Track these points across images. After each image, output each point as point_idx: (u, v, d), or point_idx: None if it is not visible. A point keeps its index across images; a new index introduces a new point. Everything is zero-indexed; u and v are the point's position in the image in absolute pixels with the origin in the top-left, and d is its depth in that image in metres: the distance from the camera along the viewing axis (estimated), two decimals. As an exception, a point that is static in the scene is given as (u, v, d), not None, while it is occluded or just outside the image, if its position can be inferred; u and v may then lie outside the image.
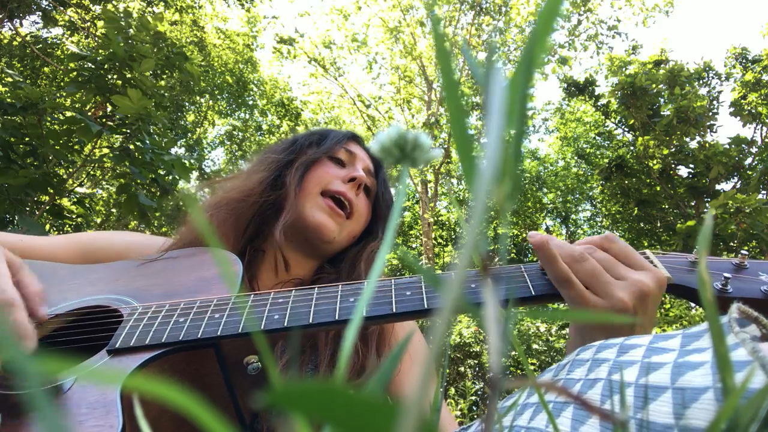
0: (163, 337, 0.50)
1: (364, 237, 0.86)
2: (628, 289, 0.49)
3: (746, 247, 6.39)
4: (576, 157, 11.36)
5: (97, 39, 4.88)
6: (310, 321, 0.51)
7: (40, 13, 4.59)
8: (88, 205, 3.44)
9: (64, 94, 3.80)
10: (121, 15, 2.72)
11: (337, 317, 0.51)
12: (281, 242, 0.74)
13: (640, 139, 7.67)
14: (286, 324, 0.50)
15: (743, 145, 6.84)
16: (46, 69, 5.94)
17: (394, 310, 0.51)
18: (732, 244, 6.20)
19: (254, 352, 0.52)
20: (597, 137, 10.74)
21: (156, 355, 0.49)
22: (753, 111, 7.18)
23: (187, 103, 8.79)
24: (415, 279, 0.55)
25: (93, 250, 0.76)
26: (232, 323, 0.50)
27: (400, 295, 0.53)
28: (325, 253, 0.82)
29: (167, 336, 0.50)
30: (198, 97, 9.61)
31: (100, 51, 2.68)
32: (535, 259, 0.56)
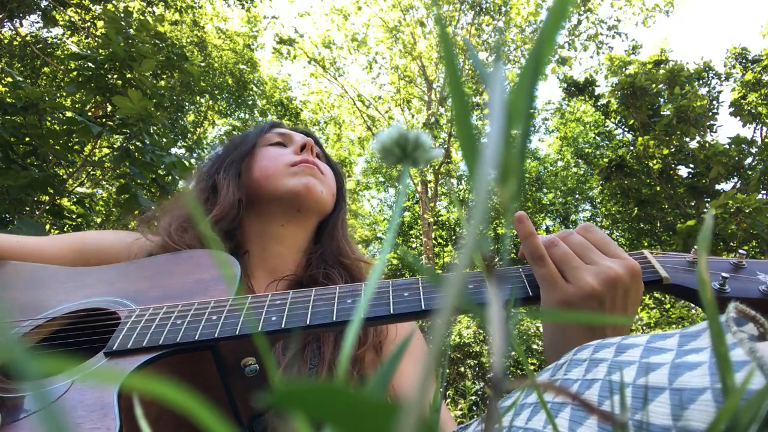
0: (161, 340, 0.50)
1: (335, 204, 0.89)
2: (597, 275, 0.49)
3: (746, 247, 6.39)
4: (576, 157, 11.35)
5: (97, 39, 4.88)
6: (308, 322, 0.51)
7: (40, 13, 4.59)
8: (88, 205, 3.44)
9: (64, 94, 3.80)
10: (122, 15, 2.72)
11: (334, 318, 0.51)
12: (226, 230, 0.77)
13: (640, 139, 7.67)
14: (283, 326, 0.50)
15: (743, 145, 6.84)
16: (46, 69, 5.94)
17: (391, 311, 0.51)
18: (732, 244, 6.20)
19: (252, 353, 0.52)
20: (597, 137, 10.74)
21: (153, 357, 0.49)
22: (753, 111, 7.18)
23: (187, 103, 8.79)
24: (413, 280, 0.55)
25: (89, 250, 0.76)
26: (230, 325, 0.50)
27: (397, 296, 0.52)
28: (318, 214, 0.84)
29: (164, 338, 0.50)
30: (198, 97, 9.61)
31: (100, 51, 2.68)
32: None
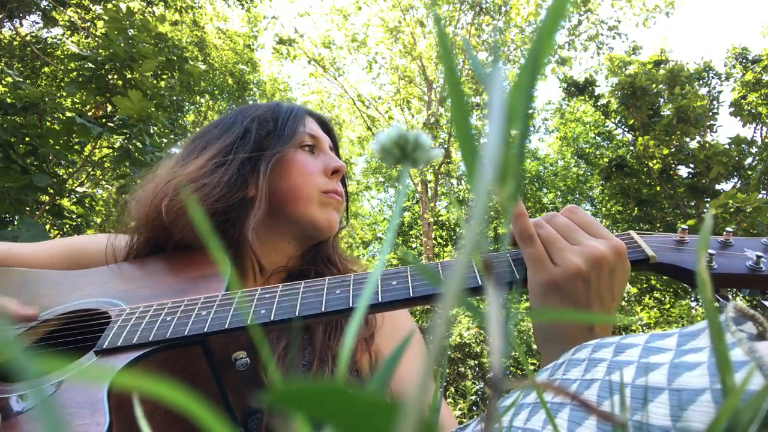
0: (150, 336, 0.50)
1: None
2: (582, 255, 0.49)
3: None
4: (576, 157, 11.36)
5: (97, 39, 4.88)
6: (297, 314, 0.51)
7: (40, 13, 4.59)
8: (88, 205, 3.44)
9: (64, 94, 3.80)
10: (123, 15, 2.72)
11: (323, 309, 0.51)
12: (254, 241, 0.69)
13: (640, 139, 7.67)
14: (273, 318, 0.51)
15: (743, 145, 6.84)
16: (46, 69, 5.94)
17: (380, 300, 0.51)
18: (732, 244, 6.18)
19: (242, 347, 0.53)
20: (597, 137, 10.74)
21: (143, 354, 0.49)
22: (753, 111, 7.18)
23: (187, 104, 8.79)
24: (402, 269, 0.55)
25: (79, 255, 0.76)
26: (220, 319, 0.51)
27: (386, 285, 0.53)
28: (321, 240, 0.83)
29: (154, 334, 0.50)
30: (198, 97, 9.62)
31: (101, 51, 2.69)
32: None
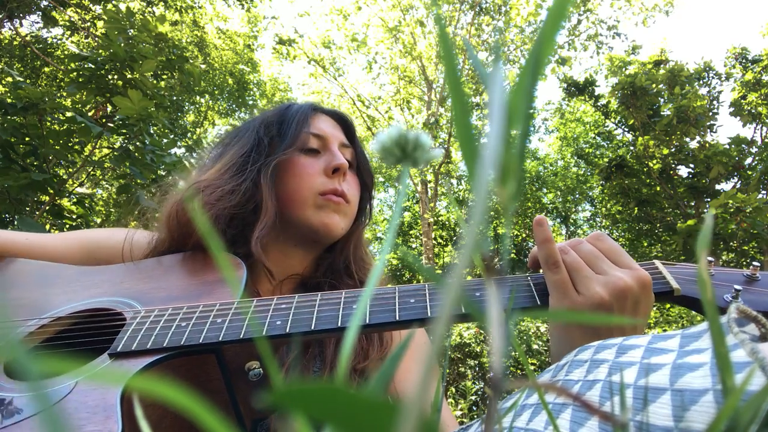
0: (165, 342, 0.49)
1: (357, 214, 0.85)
2: (606, 285, 0.49)
3: (746, 247, 6.39)
4: (576, 157, 11.35)
5: (97, 39, 4.88)
6: (313, 328, 0.50)
7: (40, 13, 4.59)
8: (88, 206, 3.44)
9: (65, 94, 3.80)
10: (123, 15, 2.72)
11: (339, 324, 0.50)
12: (259, 253, 0.70)
13: (640, 139, 7.66)
14: (288, 330, 0.50)
15: (743, 145, 6.84)
16: (46, 69, 5.94)
17: (396, 318, 0.50)
18: (732, 243, 6.20)
19: (256, 357, 0.52)
20: (597, 137, 10.74)
21: (157, 360, 0.48)
22: (753, 111, 7.19)
23: (187, 104, 8.79)
24: (420, 286, 0.55)
25: (97, 248, 0.76)
26: (234, 329, 0.50)
27: (403, 303, 0.52)
28: (329, 244, 0.81)
29: (169, 340, 0.50)
30: (198, 98, 9.61)
31: (101, 51, 2.69)
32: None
